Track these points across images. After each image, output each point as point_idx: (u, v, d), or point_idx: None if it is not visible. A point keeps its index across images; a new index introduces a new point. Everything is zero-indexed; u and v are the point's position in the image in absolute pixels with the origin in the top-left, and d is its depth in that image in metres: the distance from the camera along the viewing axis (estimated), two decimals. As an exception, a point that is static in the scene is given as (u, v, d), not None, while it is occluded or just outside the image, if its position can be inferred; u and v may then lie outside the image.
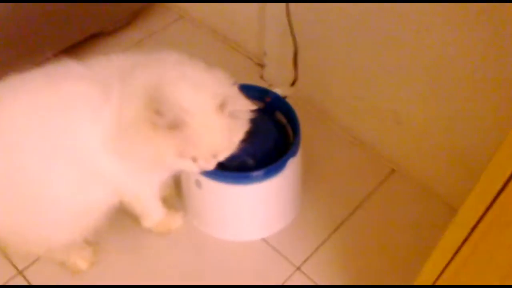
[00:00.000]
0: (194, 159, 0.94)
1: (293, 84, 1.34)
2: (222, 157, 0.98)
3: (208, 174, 1.09)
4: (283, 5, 1.24)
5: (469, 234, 0.69)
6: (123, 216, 1.17)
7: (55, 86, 0.96)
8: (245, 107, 0.95)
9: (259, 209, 1.18)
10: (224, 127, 0.92)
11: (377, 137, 1.34)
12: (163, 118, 0.86)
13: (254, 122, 1.16)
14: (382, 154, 1.35)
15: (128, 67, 0.95)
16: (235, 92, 0.96)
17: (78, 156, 0.96)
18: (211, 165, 0.97)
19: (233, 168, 1.10)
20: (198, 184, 1.13)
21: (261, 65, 1.53)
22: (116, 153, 0.96)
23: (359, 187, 1.30)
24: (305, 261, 1.19)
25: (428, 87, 1.15)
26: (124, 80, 0.94)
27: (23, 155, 0.94)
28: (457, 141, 1.16)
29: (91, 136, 0.95)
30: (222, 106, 0.90)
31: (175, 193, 1.28)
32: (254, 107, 0.94)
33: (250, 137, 1.13)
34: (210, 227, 1.22)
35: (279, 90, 1.19)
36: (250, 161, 1.12)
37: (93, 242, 1.18)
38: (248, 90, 1.19)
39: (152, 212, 1.19)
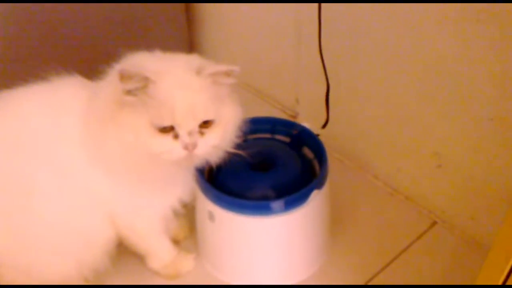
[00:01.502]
0: (175, 135, 0.83)
1: (324, 126, 1.25)
2: (212, 136, 0.85)
3: (221, 202, 0.98)
4: (316, 43, 1.19)
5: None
6: (128, 257, 1.07)
7: (47, 94, 0.92)
8: (225, 69, 0.84)
9: (278, 249, 1.04)
10: (204, 88, 0.83)
11: (415, 184, 1.21)
12: (129, 82, 0.79)
13: (278, 154, 1.08)
14: (422, 204, 1.22)
15: None
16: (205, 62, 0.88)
17: (64, 169, 0.90)
18: (196, 141, 0.83)
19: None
20: (211, 216, 1.01)
21: (294, 117, 1.47)
22: (89, 149, 0.88)
23: (395, 239, 1.15)
24: (330, 317, 1.03)
25: (473, 124, 1.04)
26: None
27: (10, 164, 0.89)
28: (506, 184, 1.02)
29: (76, 146, 0.89)
30: (199, 69, 0.82)
31: (190, 235, 1.16)
32: (235, 68, 0.84)
33: (273, 169, 1.04)
34: (223, 270, 1.09)
35: (308, 125, 1.10)
36: (272, 194, 1.01)
37: (93, 282, 1.06)
38: (275, 124, 1.13)
39: (158, 251, 1.08)
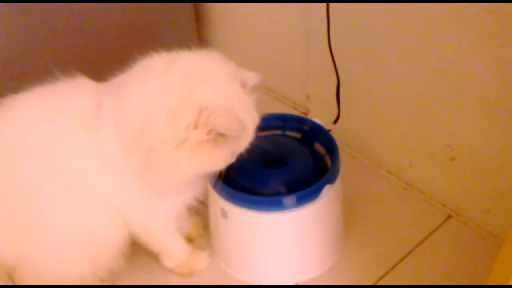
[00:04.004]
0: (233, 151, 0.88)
1: (336, 121, 1.25)
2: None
3: (234, 199, 0.98)
4: (325, 39, 1.18)
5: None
6: (143, 254, 1.08)
7: (56, 97, 0.92)
8: (255, 80, 0.88)
9: (292, 245, 1.03)
10: (253, 104, 0.87)
11: (429, 178, 1.20)
12: (228, 134, 0.81)
13: (289, 150, 1.07)
14: (436, 198, 1.20)
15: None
16: (236, 67, 0.88)
17: (71, 174, 0.90)
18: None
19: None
20: (224, 213, 1.01)
21: (306, 113, 1.47)
22: (146, 181, 0.88)
23: (410, 234, 1.14)
24: (344, 313, 1.02)
25: (486, 115, 1.03)
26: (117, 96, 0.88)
27: (20, 168, 0.89)
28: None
29: (85, 154, 0.89)
30: (243, 84, 0.85)
31: (203, 233, 1.16)
32: (259, 77, 0.88)
33: (284, 165, 1.03)
34: (237, 267, 1.09)
35: (319, 120, 1.10)
36: (284, 190, 1.00)
37: (109, 281, 1.07)
38: (286, 120, 1.13)
39: (171, 250, 1.08)
